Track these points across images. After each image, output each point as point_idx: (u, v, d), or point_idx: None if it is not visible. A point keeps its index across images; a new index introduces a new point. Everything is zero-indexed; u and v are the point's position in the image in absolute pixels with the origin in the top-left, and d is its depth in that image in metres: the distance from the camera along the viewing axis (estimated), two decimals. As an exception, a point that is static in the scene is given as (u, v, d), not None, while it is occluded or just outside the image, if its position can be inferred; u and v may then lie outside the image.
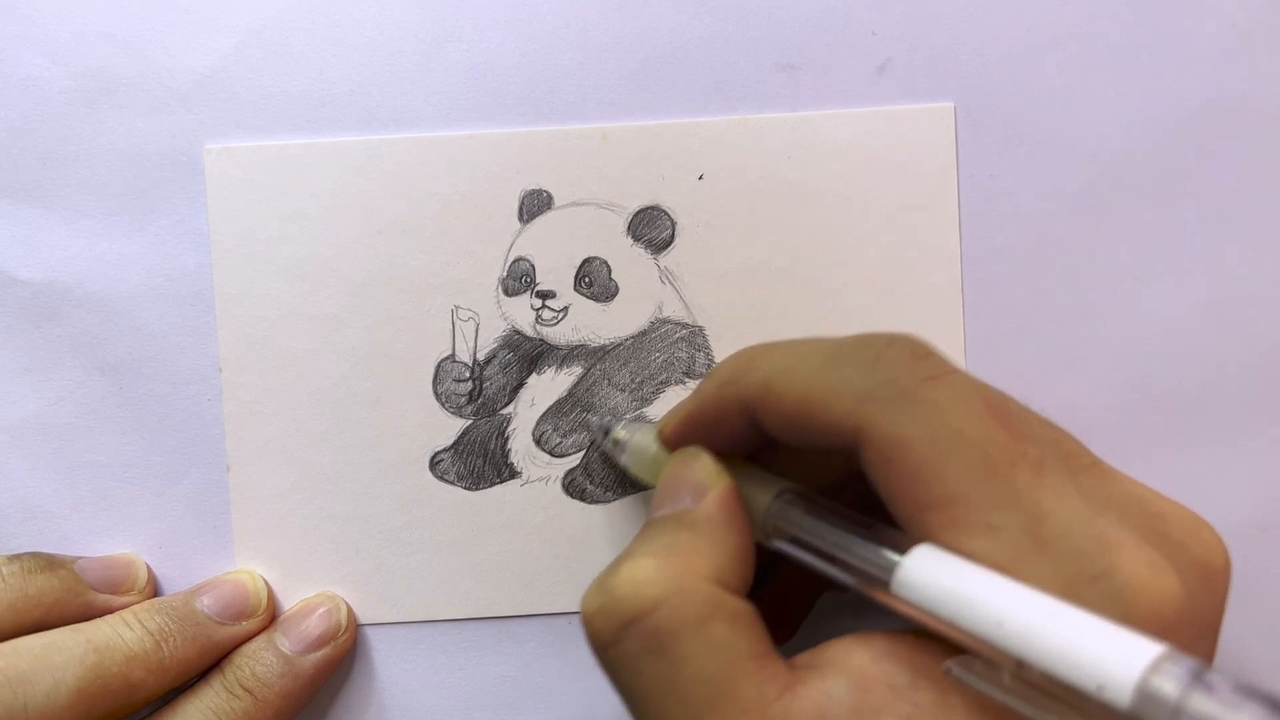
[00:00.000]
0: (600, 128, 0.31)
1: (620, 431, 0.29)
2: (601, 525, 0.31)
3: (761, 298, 0.31)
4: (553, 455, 0.31)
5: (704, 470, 0.24)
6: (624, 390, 0.31)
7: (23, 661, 0.26)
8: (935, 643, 0.20)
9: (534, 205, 0.31)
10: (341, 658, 0.30)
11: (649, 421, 0.28)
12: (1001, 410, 0.20)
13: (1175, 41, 0.31)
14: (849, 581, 0.21)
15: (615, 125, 0.31)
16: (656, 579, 0.21)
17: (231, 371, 0.31)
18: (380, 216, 0.31)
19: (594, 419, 0.31)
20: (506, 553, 0.31)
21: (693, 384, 0.31)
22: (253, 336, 0.31)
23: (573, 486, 0.31)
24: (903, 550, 0.20)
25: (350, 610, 0.31)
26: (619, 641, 0.21)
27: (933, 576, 0.19)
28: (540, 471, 0.31)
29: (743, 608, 0.21)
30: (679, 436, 0.26)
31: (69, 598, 0.28)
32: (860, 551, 0.21)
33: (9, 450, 0.31)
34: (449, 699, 0.31)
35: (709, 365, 0.31)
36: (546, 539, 0.31)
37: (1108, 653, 0.16)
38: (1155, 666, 0.16)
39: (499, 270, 0.31)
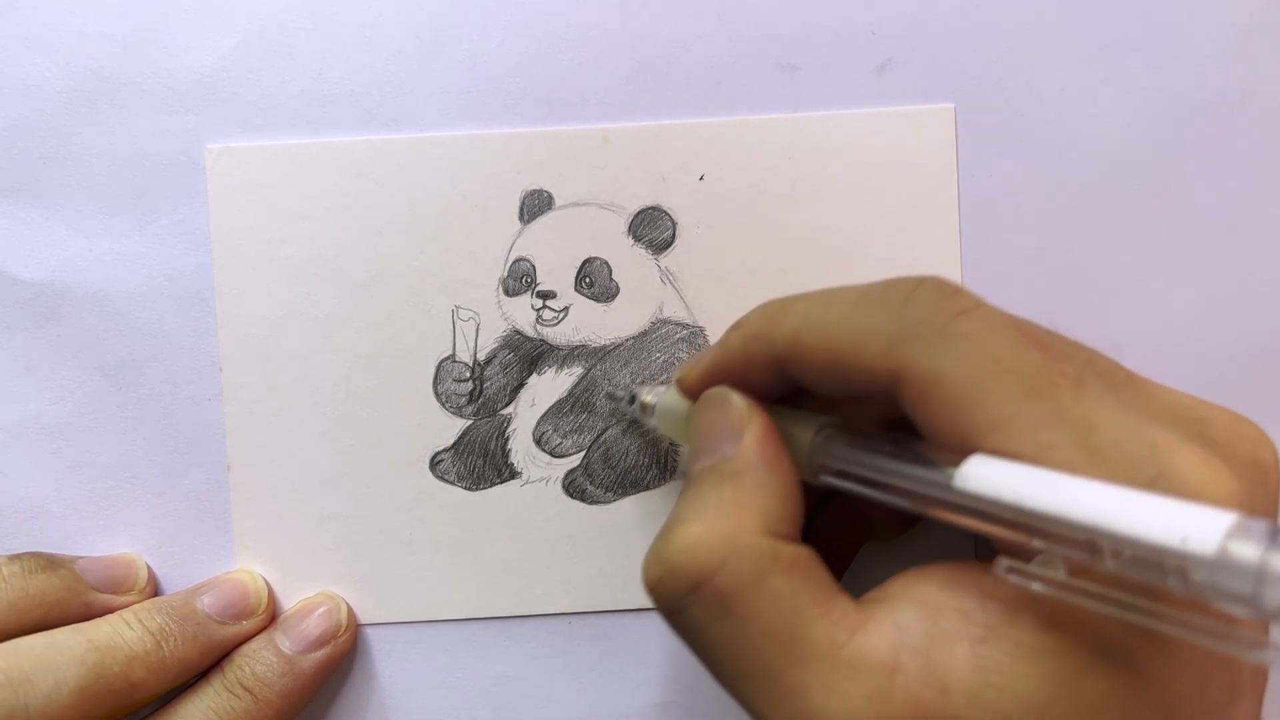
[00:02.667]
0: (601, 128, 0.31)
1: (647, 395, 0.29)
2: (601, 525, 0.31)
3: (762, 298, 0.31)
4: (553, 455, 0.31)
5: (736, 411, 0.24)
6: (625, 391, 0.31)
7: (24, 661, 0.26)
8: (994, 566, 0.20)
9: (535, 205, 0.31)
10: (341, 657, 0.30)
11: (672, 385, 0.28)
12: (1035, 335, 0.21)
13: (1175, 41, 0.31)
14: (905, 505, 0.21)
15: (616, 126, 0.31)
16: (709, 543, 0.21)
17: (232, 371, 0.31)
18: (381, 216, 0.31)
19: (616, 389, 0.31)
20: (506, 553, 0.31)
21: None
22: (253, 336, 0.31)
23: (573, 487, 0.31)
24: (956, 464, 0.20)
25: (350, 610, 0.31)
26: (684, 609, 0.22)
27: (995, 472, 0.19)
28: (540, 472, 0.31)
29: (799, 553, 0.21)
30: (702, 388, 0.26)
31: (70, 597, 0.28)
32: (915, 471, 0.21)
33: (9, 450, 0.31)
34: (449, 699, 0.31)
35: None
36: (546, 539, 0.31)
37: (1186, 517, 0.16)
38: (1238, 526, 0.16)
39: (500, 270, 0.31)
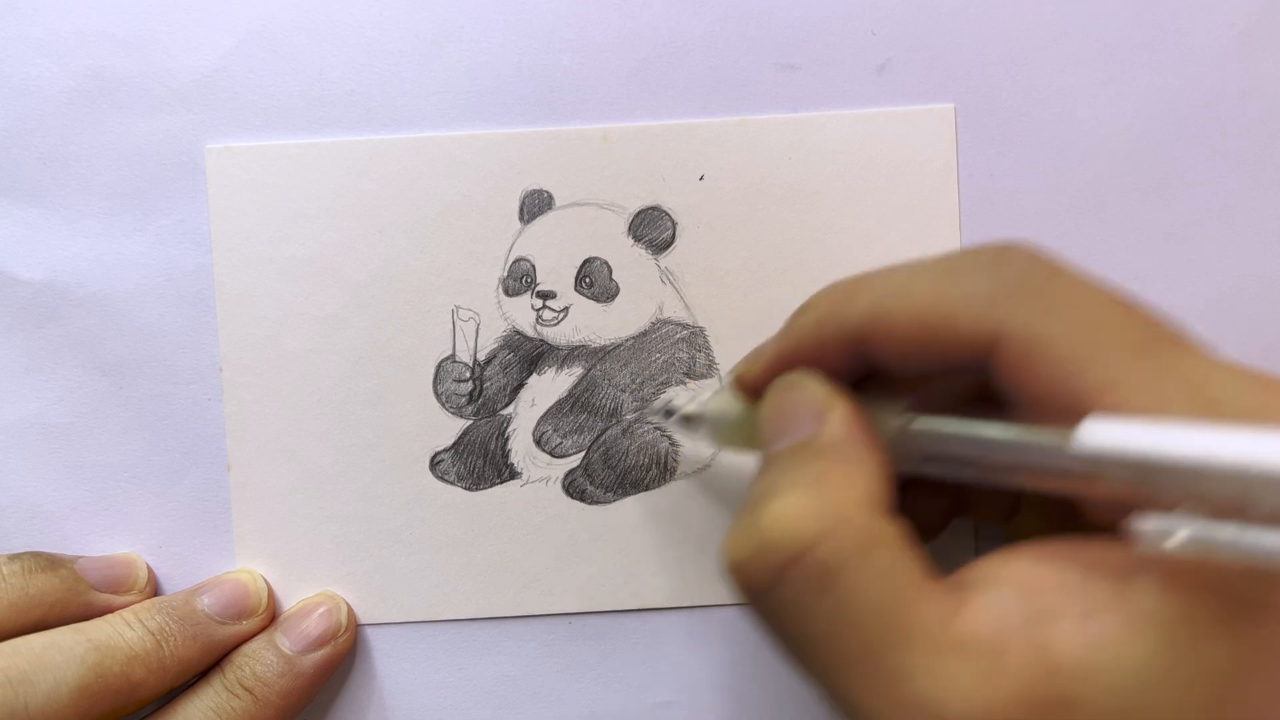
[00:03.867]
0: (601, 128, 0.31)
1: (691, 407, 0.28)
2: (601, 526, 0.31)
3: (762, 298, 0.31)
4: (553, 456, 0.31)
5: (817, 394, 0.23)
6: (625, 391, 0.31)
7: (24, 661, 0.26)
8: (1091, 541, 0.19)
9: (535, 205, 0.31)
10: (341, 657, 0.30)
11: (709, 391, 0.27)
12: (1128, 297, 0.20)
13: (1175, 41, 0.31)
14: (1012, 483, 0.20)
15: (616, 126, 0.31)
16: (812, 512, 0.20)
17: (232, 371, 0.31)
18: (381, 216, 0.31)
19: (648, 412, 0.30)
20: (506, 553, 0.31)
21: (694, 384, 0.31)
22: (253, 336, 0.31)
23: (573, 487, 0.31)
24: (1070, 429, 0.18)
25: (350, 610, 0.31)
26: (779, 585, 0.20)
27: (1120, 430, 0.18)
28: (540, 472, 0.31)
29: (900, 531, 0.20)
30: (767, 382, 0.24)
31: (70, 597, 0.28)
32: (1024, 440, 0.19)
33: (9, 450, 0.31)
34: (449, 699, 0.31)
35: (709, 366, 0.31)
36: (546, 539, 0.31)
37: None
38: None
39: (499, 270, 0.31)
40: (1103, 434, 0.18)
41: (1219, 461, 0.16)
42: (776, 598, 0.20)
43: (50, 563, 0.29)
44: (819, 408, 0.22)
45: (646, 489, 0.31)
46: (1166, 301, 0.31)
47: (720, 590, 0.31)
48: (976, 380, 0.21)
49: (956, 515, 0.28)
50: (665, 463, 0.31)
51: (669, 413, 0.29)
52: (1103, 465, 0.18)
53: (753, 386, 0.25)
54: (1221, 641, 0.17)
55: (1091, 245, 0.31)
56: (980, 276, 0.21)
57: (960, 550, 0.31)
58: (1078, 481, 0.19)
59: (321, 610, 0.30)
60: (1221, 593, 0.17)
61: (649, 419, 0.31)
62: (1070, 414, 0.19)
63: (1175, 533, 0.17)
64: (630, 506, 0.31)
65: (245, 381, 0.31)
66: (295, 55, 0.31)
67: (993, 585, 0.19)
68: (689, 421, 0.28)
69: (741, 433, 0.26)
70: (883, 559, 0.20)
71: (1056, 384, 0.19)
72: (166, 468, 0.31)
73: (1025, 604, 0.19)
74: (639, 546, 0.31)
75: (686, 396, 0.29)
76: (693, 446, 0.31)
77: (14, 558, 0.28)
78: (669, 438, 0.31)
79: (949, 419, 0.21)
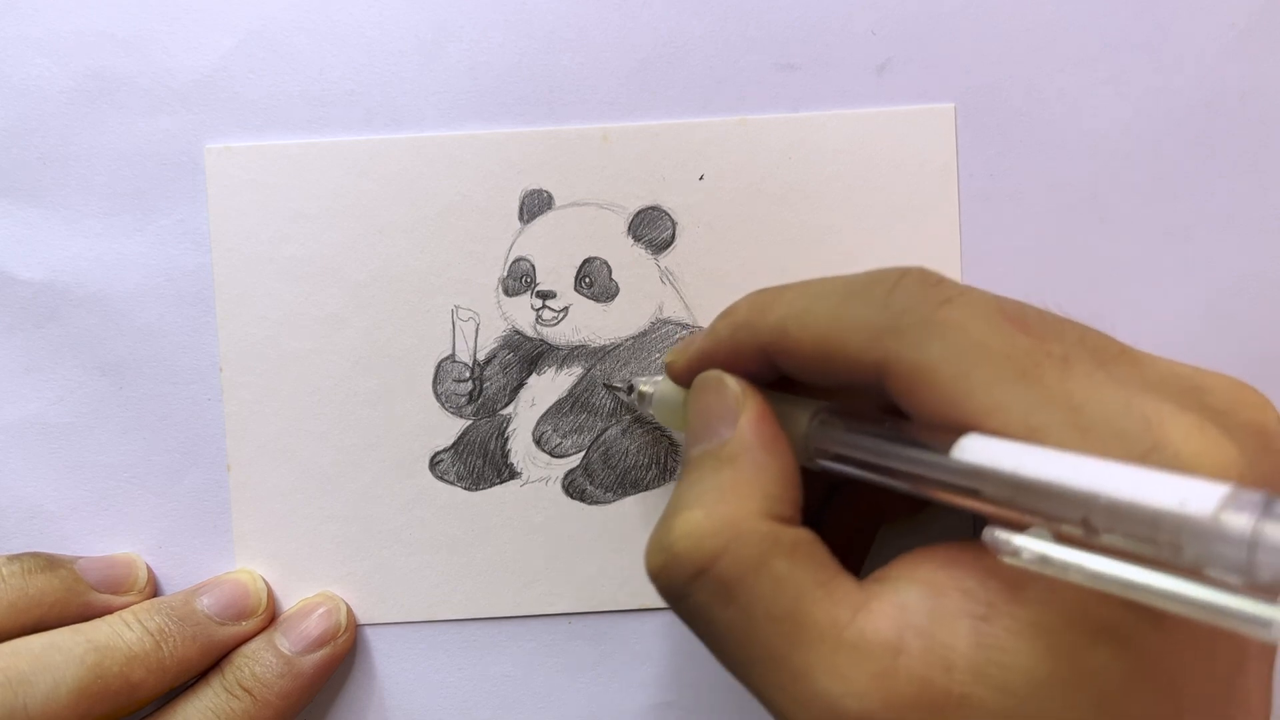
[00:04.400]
0: (601, 128, 0.31)
1: (644, 385, 0.29)
2: (601, 525, 0.31)
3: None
4: (553, 456, 0.31)
5: (731, 395, 0.24)
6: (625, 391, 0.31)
7: (23, 662, 0.26)
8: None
9: (534, 205, 0.31)
10: (341, 658, 0.30)
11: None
12: (1020, 318, 0.21)
13: (1175, 41, 0.31)
14: (902, 487, 0.21)
15: (616, 125, 0.31)
16: (710, 529, 0.21)
17: (232, 371, 0.31)
18: (381, 216, 0.31)
19: (614, 380, 0.31)
20: (506, 553, 0.31)
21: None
22: (253, 336, 0.31)
23: (573, 487, 0.31)
24: (950, 444, 0.20)
25: (350, 610, 0.31)
26: (688, 595, 0.22)
27: (989, 448, 0.19)
28: (540, 472, 0.31)
29: (800, 536, 0.21)
30: (691, 374, 0.26)
31: (69, 598, 0.28)
32: (910, 452, 0.21)
33: (9, 450, 0.31)
34: (449, 699, 0.31)
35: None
36: (546, 539, 0.31)
37: (1179, 488, 0.16)
38: (1231, 497, 0.16)
39: (499, 270, 0.31)
40: (973, 451, 0.19)
41: (1063, 485, 0.17)
42: (688, 606, 0.22)
43: (50, 563, 0.29)
44: (733, 408, 0.24)
45: (646, 489, 0.31)
46: (1167, 301, 0.31)
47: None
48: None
49: (884, 520, 0.29)
50: (665, 463, 0.31)
51: (630, 388, 0.30)
52: (977, 480, 0.19)
53: (680, 376, 0.26)
54: (1102, 651, 0.18)
55: (1091, 245, 0.31)
56: (873, 304, 0.22)
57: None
58: (959, 495, 0.20)
59: (321, 610, 0.30)
60: (1093, 609, 0.18)
61: (614, 388, 0.31)
62: (959, 433, 0.20)
63: (1022, 549, 0.18)
64: (630, 506, 0.31)
65: (245, 381, 0.31)
66: (295, 55, 0.31)
67: (901, 585, 0.20)
68: (642, 399, 0.29)
69: (678, 415, 0.27)
70: (779, 567, 0.21)
71: (939, 411, 0.20)
72: (166, 468, 0.31)
73: (928, 603, 0.20)
74: (639, 546, 0.31)
75: (646, 378, 0.30)
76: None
77: (13, 558, 0.28)
78: (669, 437, 0.31)
79: (858, 420, 0.23)
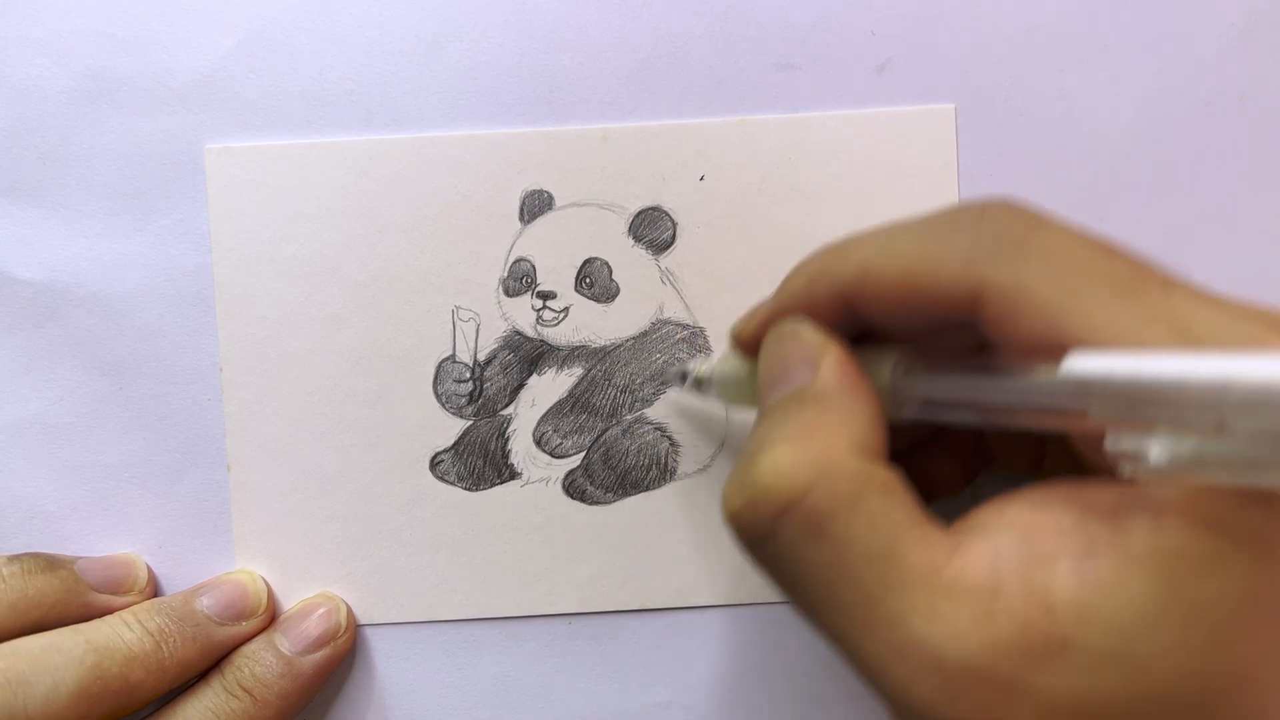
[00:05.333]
0: (601, 128, 0.31)
1: (701, 368, 0.28)
2: (601, 525, 0.31)
3: (762, 298, 0.31)
4: (553, 456, 0.31)
5: (809, 341, 0.23)
6: (625, 391, 0.31)
7: (23, 662, 0.26)
8: (1090, 481, 0.19)
9: (535, 206, 0.31)
10: (341, 658, 0.30)
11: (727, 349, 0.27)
12: (1114, 244, 0.20)
13: (1175, 41, 0.31)
14: (1002, 423, 0.20)
15: (616, 126, 0.31)
16: (801, 461, 0.20)
17: (232, 371, 0.31)
18: (381, 216, 0.31)
19: (667, 373, 0.31)
20: (506, 553, 0.31)
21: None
22: (253, 336, 0.31)
23: (573, 487, 0.31)
24: (1056, 364, 0.19)
25: (350, 610, 0.31)
26: (774, 534, 0.20)
27: (1101, 360, 0.18)
28: (540, 472, 0.31)
29: (892, 476, 0.21)
30: (760, 338, 0.25)
31: (69, 598, 0.28)
32: (1008, 382, 0.20)
33: (9, 450, 0.31)
34: (449, 699, 0.31)
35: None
36: (546, 539, 0.31)
37: None
38: None
39: (500, 271, 0.31)
40: (1085, 365, 0.18)
41: (1196, 381, 0.16)
42: (772, 547, 0.21)
43: (50, 564, 0.29)
44: (812, 355, 0.23)
45: (646, 489, 0.31)
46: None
47: (720, 590, 0.31)
48: (972, 336, 0.21)
49: (981, 471, 0.28)
50: (665, 463, 0.31)
51: (683, 376, 0.29)
52: (1088, 396, 0.18)
53: (749, 343, 0.25)
54: (1219, 578, 0.17)
55: (1092, 245, 0.31)
56: (961, 233, 0.21)
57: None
58: (1067, 418, 0.19)
59: (321, 611, 0.30)
60: (1218, 527, 0.17)
61: (671, 386, 0.31)
62: (1059, 358, 0.19)
63: (1152, 452, 0.17)
64: (630, 506, 0.31)
65: (245, 381, 0.31)
66: (295, 55, 0.31)
67: (990, 529, 0.19)
68: (700, 384, 0.28)
69: (747, 390, 0.26)
70: (874, 504, 0.20)
71: (1042, 333, 0.19)
72: (166, 468, 0.31)
73: (1022, 546, 0.19)
74: (639, 546, 0.31)
75: (699, 361, 0.29)
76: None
77: (13, 559, 0.28)
78: (669, 438, 0.31)
79: (945, 362, 0.22)
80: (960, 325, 0.21)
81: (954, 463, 0.28)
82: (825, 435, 0.21)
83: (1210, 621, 0.17)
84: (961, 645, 0.18)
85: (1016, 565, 0.18)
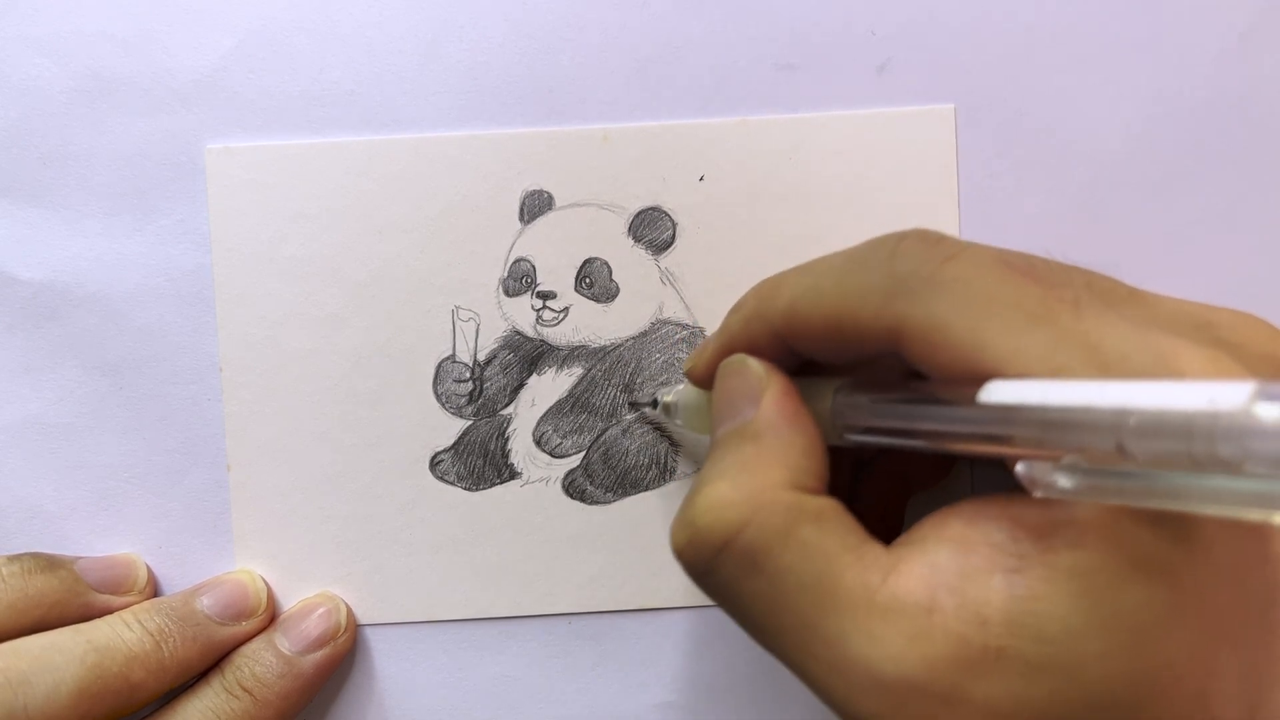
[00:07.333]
0: (601, 128, 0.31)
1: (667, 396, 0.29)
2: (601, 525, 0.31)
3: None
4: (553, 456, 0.31)
5: (753, 375, 0.24)
6: (625, 391, 0.31)
7: (23, 662, 0.26)
8: (1025, 497, 0.20)
9: (535, 206, 0.31)
10: (341, 658, 0.30)
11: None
12: (1026, 267, 0.21)
13: (1175, 41, 0.31)
14: (930, 447, 0.21)
15: (616, 126, 0.31)
16: (735, 500, 0.21)
17: (232, 371, 0.31)
18: (381, 216, 0.31)
19: (639, 397, 0.31)
20: (506, 553, 0.31)
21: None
22: (253, 336, 0.31)
23: (573, 487, 0.31)
24: (975, 394, 0.19)
25: (350, 610, 0.31)
26: (715, 569, 0.22)
27: (1015, 388, 0.19)
28: (540, 472, 0.31)
29: (825, 504, 0.21)
30: (711, 374, 0.26)
31: (69, 598, 0.28)
32: (935, 410, 0.20)
33: (9, 450, 0.31)
34: (449, 699, 0.31)
35: (709, 365, 0.31)
36: (546, 539, 0.31)
37: (1208, 390, 0.16)
38: (1260, 390, 0.15)
39: (500, 271, 0.31)
40: (998, 394, 0.19)
41: (1096, 408, 0.17)
42: (714, 580, 0.22)
43: (50, 563, 0.29)
44: (755, 390, 0.24)
45: (646, 489, 0.31)
46: (1166, 301, 0.31)
47: (720, 590, 0.31)
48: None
49: (912, 492, 0.29)
50: (665, 463, 0.31)
51: (654, 403, 0.30)
52: (1006, 424, 0.19)
53: (701, 379, 0.27)
54: (1136, 590, 0.18)
55: (1091, 245, 0.31)
56: (876, 272, 0.22)
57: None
58: (994, 444, 0.19)
59: (321, 611, 0.30)
60: (1125, 547, 0.18)
61: (639, 405, 0.31)
62: (980, 383, 0.20)
63: (1058, 479, 0.18)
64: (630, 507, 0.31)
65: (245, 381, 0.31)
66: (295, 55, 0.31)
67: (929, 545, 0.20)
68: (668, 410, 0.29)
69: (705, 419, 0.27)
70: (807, 535, 0.21)
71: (961, 365, 0.20)
72: (166, 468, 0.31)
73: (957, 562, 0.19)
74: (639, 546, 0.31)
75: (665, 391, 0.30)
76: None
77: (13, 559, 0.28)
78: (668, 438, 0.31)
79: (880, 390, 0.23)
80: (886, 357, 0.22)
81: (893, 483, 0.29)
82: (760, 471, 0.22)
83: (1131, 629, 0.18)
84: (898, 664, 0.19)
85: (953, 579, 0.19)
